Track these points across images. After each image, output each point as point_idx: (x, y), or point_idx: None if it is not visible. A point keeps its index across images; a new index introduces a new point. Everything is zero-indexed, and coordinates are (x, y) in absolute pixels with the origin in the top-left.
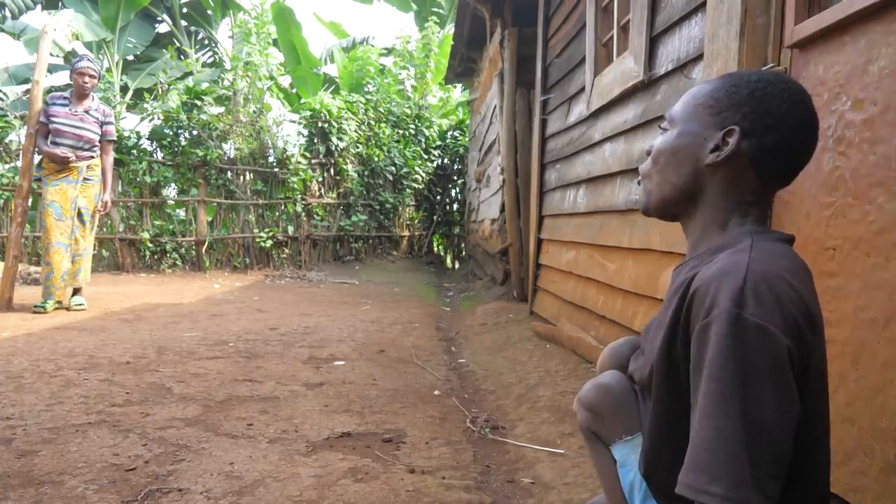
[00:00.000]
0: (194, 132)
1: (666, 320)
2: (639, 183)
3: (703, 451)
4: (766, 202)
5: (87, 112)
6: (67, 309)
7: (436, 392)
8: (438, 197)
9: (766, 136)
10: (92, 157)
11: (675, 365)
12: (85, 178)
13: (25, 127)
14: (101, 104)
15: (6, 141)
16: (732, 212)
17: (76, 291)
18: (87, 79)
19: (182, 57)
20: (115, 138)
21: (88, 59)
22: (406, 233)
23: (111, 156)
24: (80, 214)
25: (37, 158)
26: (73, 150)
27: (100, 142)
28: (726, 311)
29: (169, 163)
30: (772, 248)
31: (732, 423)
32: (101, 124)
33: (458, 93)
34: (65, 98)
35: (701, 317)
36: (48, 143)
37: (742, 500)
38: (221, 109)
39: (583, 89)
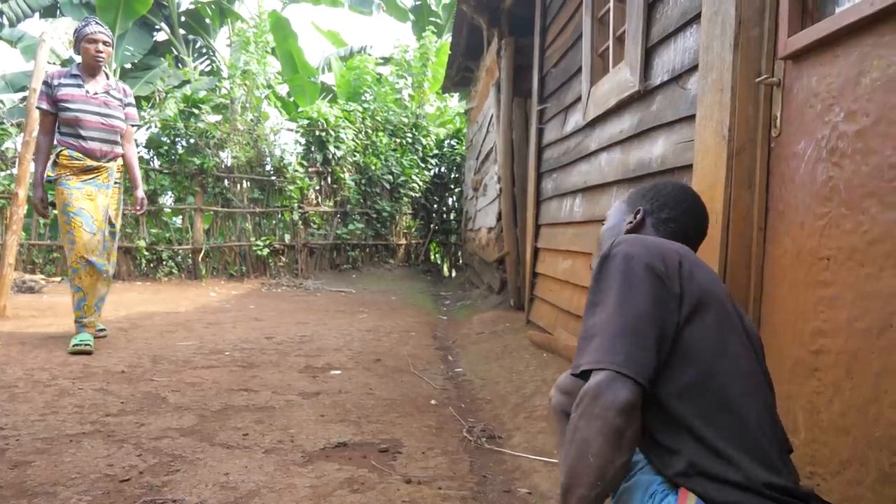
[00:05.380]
0: (191, 140)
1: None
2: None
3: (578, 344)
4: None
5: (108, 93)
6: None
7: (432, 401)
8: (435, 205)
9: (661, 211)
10: (121, 154)
11: None
12: (115, 182)
13: (22, 134)
14: (118, 81)
15: (2, 148)
16: None
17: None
18: (100, 46)
19: (180, 65)
20: (138, 122)
21: (98, 23)
22: (403, 241)
23: (134, 144)
24: (109, 225)
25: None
26: (105, 146)
27: None
28: (601, 254)
29: (166, 171)
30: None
31: (589, 318)
32: (124, 106)
33: (455, 102)
34: (73, 76)
35: None
36: (60, 139)
37: (592, 365)
38: (219, 118)
39: (579, 99)
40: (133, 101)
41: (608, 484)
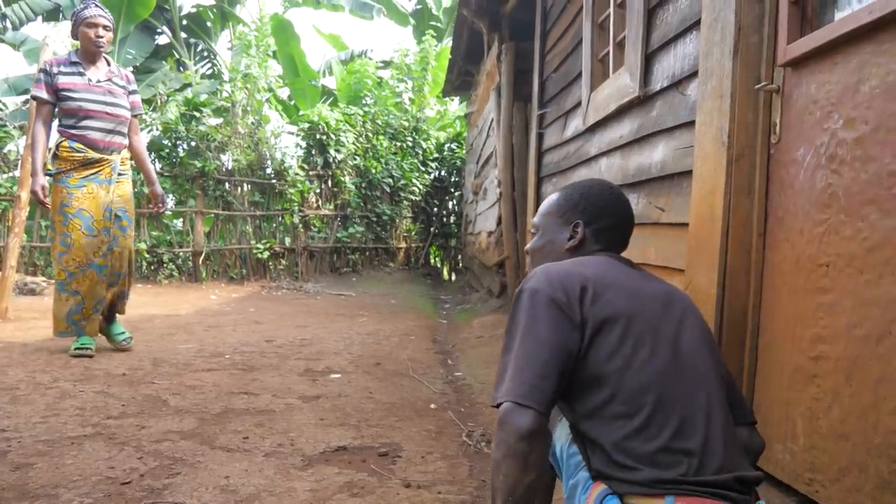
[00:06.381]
0: (192, 143)
1: None
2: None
3: (496, 378)
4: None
5: (111, 81)
6: (119, 349)
7: (432, 405)
8: (435, 209)
9: (599, 221)
10: (126, 146)
11: None
12: (119, 174)
13: (24, 137)
14: (120, 67)
15: (5, 151)
16: None
17: (111, 319)
18: (100, 31)
19: (181, 69)
20: (143, 111)
21: (97, 5)
22: (403, 245)
23: (141, 137)
24: (118, 218)
25: (51, 141)
26: (109, 136)
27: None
28: (517, 290)
29: (167, 174)
30: (584, 257)
31: (505, 354)
32: (128, 94)
33: (455, 105)
34: (72, 63)
35: None
36: (60, 129)
37: (502, 397)
38: (220, 121)
39: (579, 104)
40: (136, 88)
41: (521, 498)
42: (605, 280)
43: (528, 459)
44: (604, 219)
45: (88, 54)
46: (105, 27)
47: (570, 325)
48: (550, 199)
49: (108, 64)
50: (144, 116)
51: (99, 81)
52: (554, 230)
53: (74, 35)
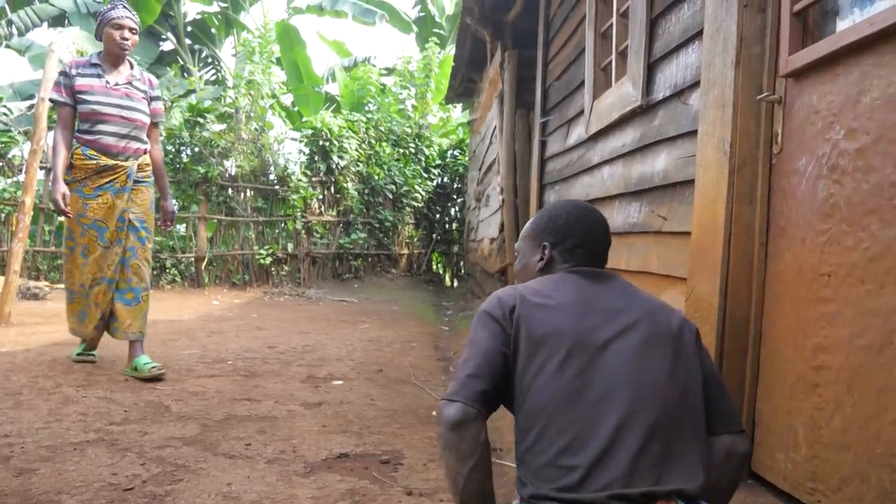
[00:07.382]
0: (196, 149)
1: None
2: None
3: None
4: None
5: (131, 85)
6: (144, 379)
7: (434, 413)
8: (438, 215)
9: (566, 241)
10: (146, 152)
11: None
12: (136, 181)
13: (29, 143)
14: (143, 71)
15: (9, 156)
16: None
17: (132, 345)
18: (126, 33)
19: (185, 75)
20: (164, 119)
21: (125, 7)
22: (405, 251)
23: (160, 147)
24: (134, 228)
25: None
26: (123, 141)
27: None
28: None
29: (170, 179)
30: (544, 276)
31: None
32: (150, 100)
33: (458, 112)
34: (93, 65)
35: None
36: (78, 133)
37: (447, 396)
38: (223, 127)
39: (582, 112)
40: (159, 94)
41: (465, 489)
42: (538, 299)
43: (461, 449)
44: (570, 239)
45: (111, 56)
46: (131, 29)
47: (504, 335)
48: (528, 223)
49: (131, 67)
50: None
51: (117, 84)
52: (529, 252)
53: (98, 36)
